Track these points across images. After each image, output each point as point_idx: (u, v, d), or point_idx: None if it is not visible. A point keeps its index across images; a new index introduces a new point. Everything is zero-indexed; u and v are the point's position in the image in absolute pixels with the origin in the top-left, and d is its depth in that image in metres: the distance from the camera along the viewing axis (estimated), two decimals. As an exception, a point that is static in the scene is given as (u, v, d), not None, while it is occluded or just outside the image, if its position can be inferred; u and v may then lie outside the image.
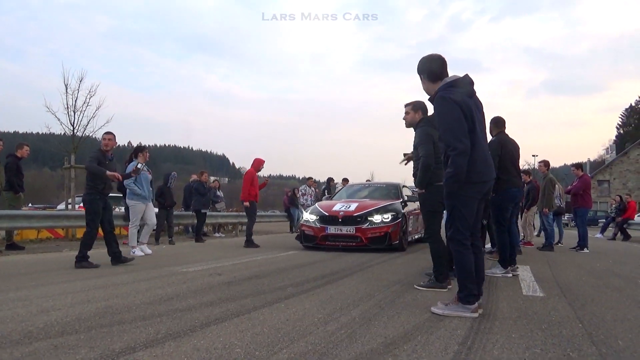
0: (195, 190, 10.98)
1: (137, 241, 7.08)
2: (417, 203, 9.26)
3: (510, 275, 4.90)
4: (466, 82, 3.01)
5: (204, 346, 2.29)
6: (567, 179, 30.68)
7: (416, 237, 9.09)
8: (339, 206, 8.02)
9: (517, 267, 5.17)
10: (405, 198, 8.59)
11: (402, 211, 7.93)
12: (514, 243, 5.33)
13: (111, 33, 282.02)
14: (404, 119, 4.27)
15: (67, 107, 16.45)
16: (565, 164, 57.56)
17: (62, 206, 13.27)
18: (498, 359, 2.16)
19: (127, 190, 7.05)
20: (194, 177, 12.07)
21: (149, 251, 7.08)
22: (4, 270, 5.07)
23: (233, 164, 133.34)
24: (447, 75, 3.08)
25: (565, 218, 17.98)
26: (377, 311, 3.14)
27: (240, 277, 4.61)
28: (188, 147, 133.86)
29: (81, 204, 12.16)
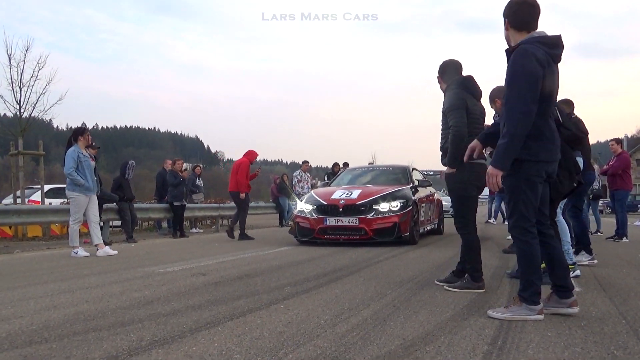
0: (168, 182, 10.98)
1: (93, 242, 7.12)
2: (429, 189, 9.39)
3: (596, 262, 5.43)
4: (557, 45, 2.95)
5: (197, 353, 2.36)
6: (601, 158, 31.04)
7: (429, 228, 9.22)
8: (339, 193, 8.07)
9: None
10: (416, 183, 8.71)
11: (413, 198, 8.05)
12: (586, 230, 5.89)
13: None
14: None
15: (12, 83, 16.07)
16: (598, 141, 58.04)
17: (8, 200, 13.23)
18: (534, 359, 2.25)
19: (67, 180, 7.02)
20: (169, 163, 12.02)
21: (113, 252, 7.11)
22: (-52, 275, 5.09)
23: (208, 147, 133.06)
24: (536, 28, 2.99)
25: (601, 204, 18.26)
26: (392, 311, 3.22)
27: (229, 277, 4.68)
28: (154, 128, 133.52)
29: (32, 197, 12.13)
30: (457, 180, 3.90)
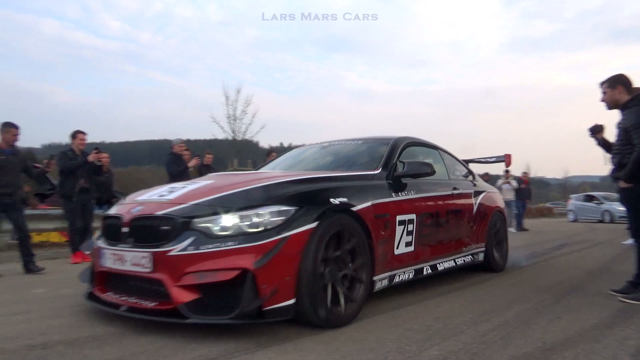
0: None
1: None
2: (480, 184, 5.57)
3: None
4: None
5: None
6: None
7: (447, 265, 4.65)
8: (150, 194, 3.67)
9: None
10: (400, 170, 4.13)
11: (340, 200, 3.34)
12: None
13: (257, 43, 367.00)
14: (602, 100, 4.28)
15: (229, 117, 22.74)
16: None
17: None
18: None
19: None
20: None
21: None
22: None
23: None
24: None
25: None
26: (534, 314, 3.40)
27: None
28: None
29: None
30: (634, 195, 4.08)
